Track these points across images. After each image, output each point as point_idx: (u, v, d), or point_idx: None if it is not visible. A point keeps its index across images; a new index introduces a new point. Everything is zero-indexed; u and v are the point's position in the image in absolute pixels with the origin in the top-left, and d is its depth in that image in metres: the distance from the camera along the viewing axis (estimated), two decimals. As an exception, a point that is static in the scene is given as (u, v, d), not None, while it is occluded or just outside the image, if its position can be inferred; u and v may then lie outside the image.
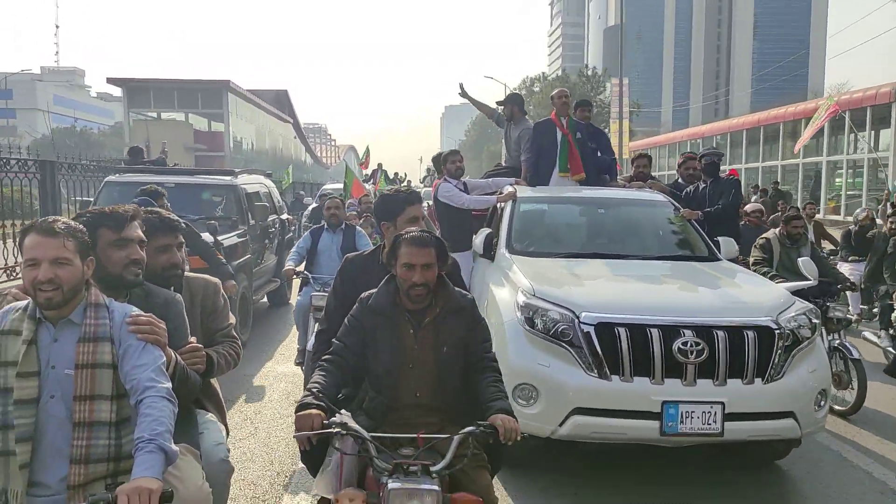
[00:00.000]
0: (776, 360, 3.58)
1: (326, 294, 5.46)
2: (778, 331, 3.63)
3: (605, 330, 3.53)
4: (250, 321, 7.24)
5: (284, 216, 9.79)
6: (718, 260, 4.86)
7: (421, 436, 2.20)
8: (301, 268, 5.79)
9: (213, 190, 8.01)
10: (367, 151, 25.50)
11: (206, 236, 6.45)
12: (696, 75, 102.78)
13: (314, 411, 2.14)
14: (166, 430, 1.90)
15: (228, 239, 6.98)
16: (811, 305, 4.08)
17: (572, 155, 5.90)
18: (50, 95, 56.52)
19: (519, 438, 2.18)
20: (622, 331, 3.52)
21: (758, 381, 3.54)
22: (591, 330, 3.55)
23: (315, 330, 5.24)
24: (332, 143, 74.68)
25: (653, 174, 7.14)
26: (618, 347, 3.49)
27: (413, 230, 2.45)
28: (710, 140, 24.92)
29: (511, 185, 5.74)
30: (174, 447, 1.90)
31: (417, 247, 2.36)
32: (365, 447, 2.09)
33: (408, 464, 2.03)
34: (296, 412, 2.18)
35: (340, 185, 20.65)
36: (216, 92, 31.39)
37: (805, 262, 5.06)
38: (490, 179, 6.26)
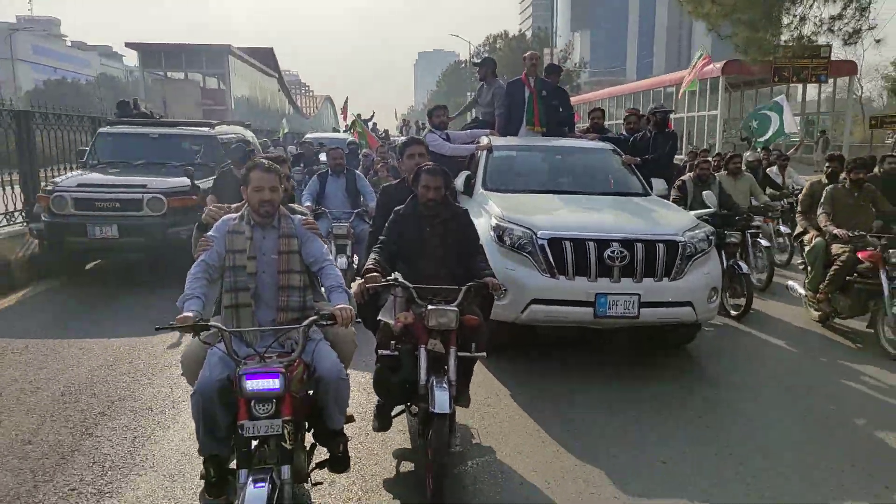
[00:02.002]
0: (679, 264, 4.76)
1: (342, 224, 6.50)
2: (682, 243, 4.79)
3: (555, 243, 4.65)
4: None
5: None
6: (649, 196, 5.99)
7: (443, 287, 3.29)
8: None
9: (192, 140, 8.77)
10: (346, 103, 25.82)
11: (184, 180, 7.42)
12: (660, 28, 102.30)
13: (376, 273, 3.24)
14: (343, 282, 2.93)
15: (205, 182, 7.74)
16: (710, 227, 5.26)
17: (536, 111, 6.90)
18: (28, 46, 54.71)
19: (504, 290, 3.48)
20: (567, 244, 4.64)
21: (665, 279, 4.71)
22: (545, 243, 4.67)
23: (335, 251, 6.36)
24: (311, 93, 74.00)
25: (605, 124, 8.15)
26: (564, 256, 4.63)
27: (427, 164, 3.65)
28: (649, 93, 25.68)
29: (486, 135, 6.73)
30: (350, 291, 2.97)
31: (431, 175, 3.50)
32: (409, 293, 3.21)
33: (438, 299, 3.17)
34: (363, 275, 3.24)
35: (321, 134, 21.21)
36: (219, 54, 34.29)
37: (707, 195, 6.27)
38: (469, 131, 7.19)
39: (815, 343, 5.74)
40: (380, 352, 3.24)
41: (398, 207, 3.63)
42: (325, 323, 2.63)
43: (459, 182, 6.18)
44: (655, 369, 5.03)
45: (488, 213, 5.19)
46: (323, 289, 3.01)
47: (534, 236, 4.72)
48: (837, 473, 3.43)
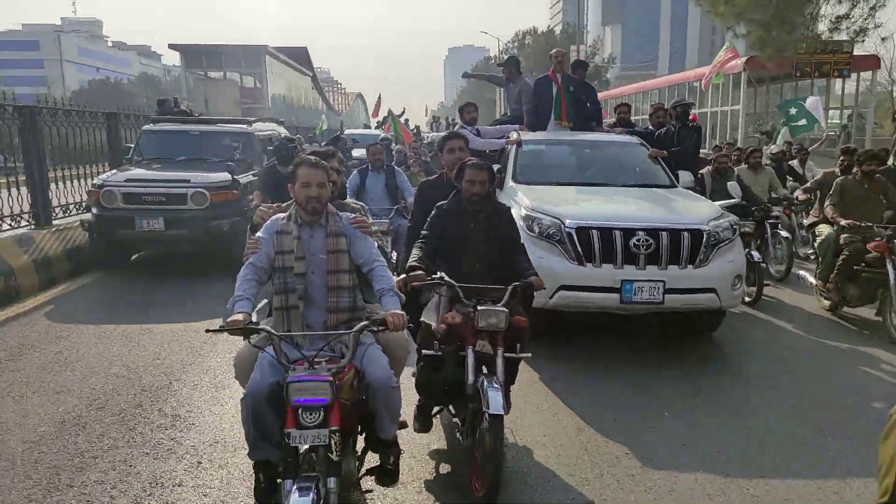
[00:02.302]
0: (704, 252, 4.88)
1: (382, 221, 6.71)
2: (706, 231, 4.90)
3: (583, 232, 4.81)
4: None
5: None
6: (675, 187, 6.09)
7: (488, 287, 3.19)
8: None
9: (231, 136, 9.17)
10: (379, 99, 26.07)
11: (225, 175, 7.78)
12: (693, 21, 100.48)
13: (420, 271, 3.16)
14: (395, 285, 2.82)
15: (245, 177, 8.20)
16: (734, 217, 5.36)
17: (564, 106, 7.04)
18: (74, 47, 56.52)
19: (545, 287, 3.32)
20: (594, 232, 4.79)
21: (689, 267, 4.83)
22: (573, 232, 4.83)
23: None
24: (343, 90, 74.91)
25: (632, 119, 8.26)
26: (591, 244, 4.78)
27: (471, 158, 3.61)
28: (675, 88, 25.42)
29: (516, 130, 6.90)
30: (402, 295, 2.84)
31: (477, 169, 3.43)
32: (455, 291, 3.12)
33: (484, 299, 3.09)
34: (407, 273, 3.16)
35: (354, 130, 21.55)
36: (257, 55, 35.74)
37: (731, 186, 6.34)
38: (498, 126, 7.38)
39: (827, 330, 5.81)
40: (423, 352, 3.18)
41: (440, 202, 3.57)
42: (376, 329, 2.56)
43: (489, 175, 6.38)
44: (682, 353, 5.15)
45: (518, 204, 5.36)
46: (374, 290, 2.86)
47: (562, 225, 4.88)
48: (858, 457, 3.53)
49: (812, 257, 6.50)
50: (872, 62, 20.34)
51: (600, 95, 9.30)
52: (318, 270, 2.79)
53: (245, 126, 9.57)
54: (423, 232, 3.50)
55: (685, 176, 6.26)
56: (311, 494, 2.24)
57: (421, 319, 3.29)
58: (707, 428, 3.82)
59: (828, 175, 6.67)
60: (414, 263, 3.22)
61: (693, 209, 5.34)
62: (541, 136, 6.94)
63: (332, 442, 2.35)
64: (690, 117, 7.20)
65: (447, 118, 31.23)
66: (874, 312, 5.73)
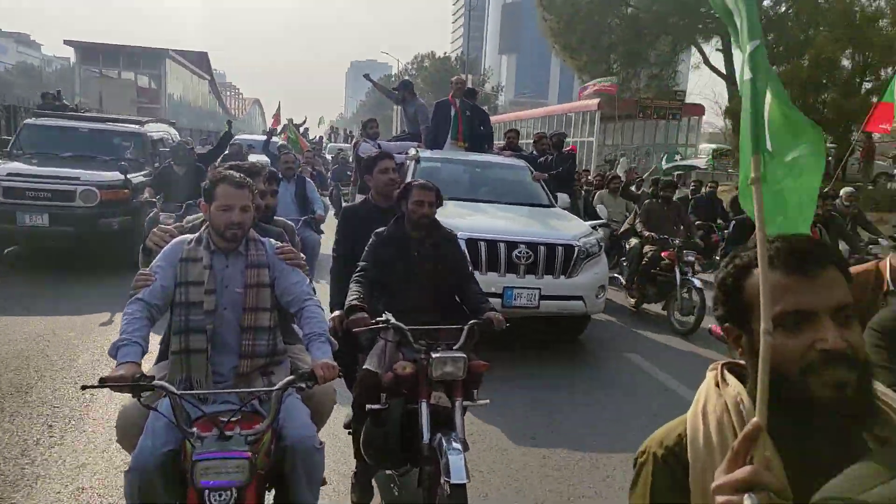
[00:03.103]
0: (574, 265, 5.53)
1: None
2: (578, 247, 5.57)
3: (472, 243, 5.28)
4: None
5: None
6: (553, 207, 6.77)
7: (442, 328, 2.76)
8: None
9: (122, 136, 8.91)
10: (279, 108, 25.82)
11: (116, 174, 7.64)
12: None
13: (363, 314, 2.71)
14: (327, 329, 2.35)
15: (136, 178, 8.07)
16: (601, 234, 6.11)
17: (461, 128, 7.59)
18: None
19: (504, 328, 2.82)
20: (482, 244, 5.30)
21: (562, 277, 5.46)
22: (464, 242, 5.25)
23: None
24: (240, 96, 72.64)
25: (519, 143, 9.02)
26: (479, 253, 5.28)
27: (418, 180, 3.17)
28: (552, 119, 29.14)
29: (415, 147, 7.32)
30: (335, 341, 2.37)
31: (425, 190, 3.05)
32: (405, 336, 2.66)
33: (436, 344, 2.65)
34: (348, 315, 2.73)
35: (249, 136, 21.15)
36: (157, 57, 35.03)
37: (600, 209, 7.25)
38: (398, 143, 7.79)
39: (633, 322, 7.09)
40: (368, 406, 2.70)
41: (379, 229, 3.14)
42: (303, 386, 2.12)
43: (389, 189, 6.76)
44: (555, 354, 5.77)
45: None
46: (301, 335, 2.44)
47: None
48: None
49: (625, 263, 7.69)
50: (699, 109, 25.78)
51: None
52: (232, 307, 2.32)
53: (137, 126, 9.35)
54: (361, 263, 3.07)
55: (563, 198, 6.98)
56: None
57: (364, 367, 2.78)
58: (575, 412, 4.39)
59: (644, 197, 8.25)
60: (355, 303, 2.79)
61: (567, 227, 6.01)
62: (437, 154, 7.42)
63: None
64: (569, 147, 8.01)
65: (345, 129, 31.32)
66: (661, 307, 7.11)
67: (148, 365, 2.45)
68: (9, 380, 4.32)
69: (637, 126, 21.34)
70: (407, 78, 8.91)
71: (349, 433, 3.20)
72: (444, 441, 2.50)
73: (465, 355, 2.64)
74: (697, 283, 6.56)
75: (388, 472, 3.12)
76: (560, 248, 5.48)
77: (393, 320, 2.68)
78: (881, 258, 2.42)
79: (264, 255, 2.40)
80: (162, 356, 2.51)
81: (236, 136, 20.49)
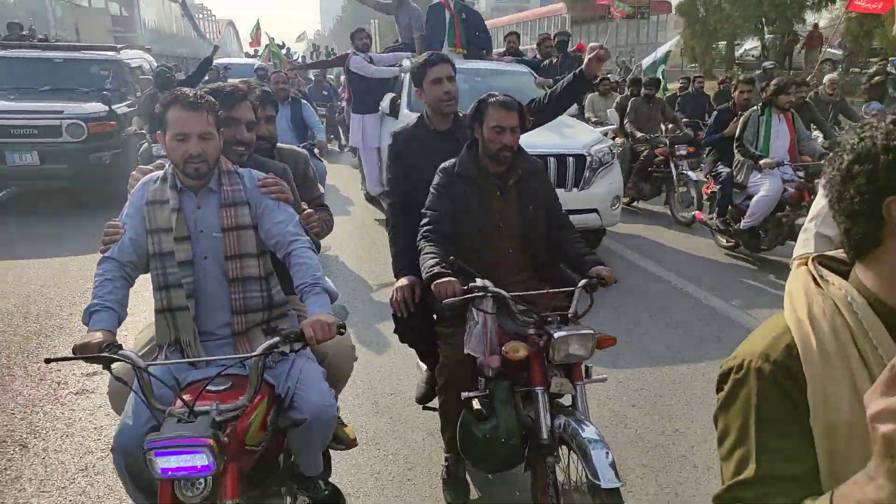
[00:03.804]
0: (587, 175, 5.33)
1: None
2: (590, 157, 5.35)
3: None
4: None
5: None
6: (561, 115, 6.46)
7: (548, 291, 2.25)
8: None
9: (99, 64, 8.41)
10: (258, 26, 24.54)
11: (101, 105, 7.25)
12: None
13: (451, 279, 2.09)
14: (322, 274, 1.94)
15: (120, 108, 7.68)
16: (612, 141, 5.86)
17: (458, 33, 7.12)
18: None
19: (616, 282, 2.28)
20: (491, 157, 5.06)
21: (574, 189, 5.28)
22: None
23: None
24: (213, 18, 68.97)
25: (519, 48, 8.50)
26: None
27: (493, 94, 2.38)
28: (543, 21, 29.19)
29: (409, 58, 6.90)
30: (333, 287, 1.98)
31: (506, 110, 2.30)
32: (508, 306, 2.09)
33: (549, 316, 2.10)
34: (431, 282, 2.11)
35: (228, 59, 20.06)
36: None
37: (610, 112, 6.93)
38: (391, 54, 7.31)
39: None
40: (464, 394, 2.20)
41: (446, 164, 2.43)
42: (288, 349, 1.76)
43: (385, 104, 6.43)
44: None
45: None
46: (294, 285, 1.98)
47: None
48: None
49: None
50: (665, 6, 25.55)
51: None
52: (213, 256, 1.97)
53: (114, 53, 8.84)
54: (429, 212, 2.39)
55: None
56: None
57: (465, 351, 2.16)
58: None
59: (623, 99, 8.11)
60: (435, 269, 2.15)
61: (577, 135, 5.75)
62: (434, 64, 7.00)
63: None
64: (577, 46, 7.57)
65: (327, 47, 29.90)
66: (663, 203, 7.43)
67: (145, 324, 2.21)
68: (14, 333, 4.24)
69: (610, 27, 20.80)
70: None
71: (423, 408, 2.84)
72: (575, 429, 1.99)
73: (593, 331, 2.09)
74: (693, 175, 6.66)
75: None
76: (571, 158, 5.26)
77: (492, 287, 2.11)
78: None
79: (241, 191, 1.99)
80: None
81: (219, 61, 19.56)
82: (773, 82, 5.51)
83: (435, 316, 2.48)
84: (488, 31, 7.73)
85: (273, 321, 2.05)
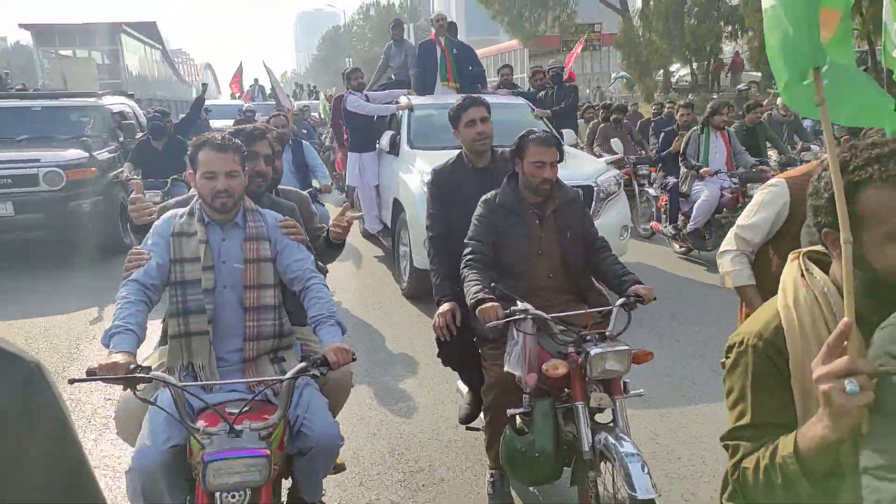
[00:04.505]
0: (595, 206, 5.14)
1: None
2: (596, 188, 5.16)
3: (488, 193, 4.86)
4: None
5: None
6: (562, 146, 6.32)
7: (586, 311, 2.39)
8: None
9: (80, 111, 8.06)
10: (241, 68, 24.48)
11: (80, 152, 6.93)
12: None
13: (494, 304, 2.21)
14: (335, 310, 2.12)
15: (101, 155, 7.35)
16: (618, 171, 5.70)
17: (450, 68, 7.00)
18: None
19: (655, 299, 2.34)
20: (499, 193, 4.87)
21: (585, 221, 5.09)
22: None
23: None
24: (192, 62, 69.46)
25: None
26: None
27: (533, 130, 2.57)
28: (505, 55, 31.04)
29: (405, 95, 6.74)
30: (343, 324, 2.13)
31: (546, 146, 2.46)
32: (548, 326, 2.22)
33: (585, 334, 2.19)
34: (475, 308, 2.24)
35: (212, 101, 19.94)
36: (111, 32, 34.67)
37: (614, 142, 6.79)
38: (386, 91, 7.13)
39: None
40: (509, 411, 2.29)
41: (488, 196, 2.58)
42: (317, 373, 1.89)
43: (385, 142, 6.22)
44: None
45: (419, 170, 5.29)
46: (308, 317, 2.15)
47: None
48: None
49: None
50: (611, 39, 26.76)
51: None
52: (232, 285, 2.11)
53: (94, 100, 8.51)
54: (471, 242, 2.52)
55: (569, 135, 6.53)
56: None
57: (506, 370, 2.31)
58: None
59: (594, 125, 8.72)
60: (480, 295, 2.27)
61: (582, 166, 5.58)
62: (429, 100, 6.85)
63: None
64: (569, 75, 7.53)
65: (308, 84, 30.03)
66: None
67: (148, 348, 2.26)
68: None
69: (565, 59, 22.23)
70: (398, 19, 8.08)
71: (466, 428, 2.95)
72: (614, 444, 2.07)
73: (629, 347, 2.17)
74: (652, 191, 7.18)
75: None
76: (579, 189, 5.04)
77: (532, 309, 2.21)
78: (817, 160, 2.57)
79: (264, 228, 2.18)
80: (163, 340, 2.26)
81: (207, 103, 19.40)
82: (709, 105, 6.30)
83: (476, 339, 2.61)
84: (481, 65, 7.63)
85: (280, 350, 2.17)
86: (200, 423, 1.81)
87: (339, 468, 2.48)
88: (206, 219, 2.14)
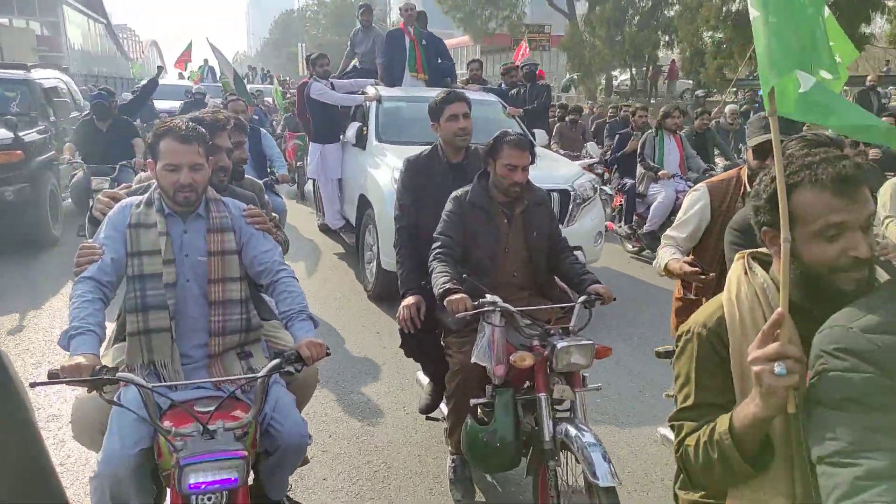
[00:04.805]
0: (571, 211, 4.98)
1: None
2: (572, 192, 5.00)
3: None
4: (60, 218, 6.74)
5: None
6: (533, 146, 6.13)
7: (549, 307, 2.49)
8: None
9: (5, 85, 7.09)
10: (190, 47, 23.42)
11: (4, 132, 6.09)
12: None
13: (462, 295, 2.26)
14: (307, 303, 2.07)
15: (29, 136, 6.44)
16: (593, 176, 5.56)
17: (419, 58, 6.71)
18: None
19: (614, 300, 2.47)
20: (475, 194, 4.64)
21: (560, 226, 4.89)
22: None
23: None
24: (137, 39, 66.21)
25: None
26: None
27: (507, 132, 2.58)
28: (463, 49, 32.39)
29: (372, 85, 6.41)
30: (316, 318, 2.09)
31: (519, 150, 2.49)
32: (514, 319, 2.28)
33: (552, 329, 2.29)
34: (443, 299, 2.28)
35: (163, 80, 18.94)
36: (53, 2, 32.79)
37: (590, 146, 6.68)
38: (352, 80, 6.78)
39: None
40: (472, 401, 2.37)
41: (458, 192, 2.62)
42: (292, 370, 1.84)
43: (351, 133, 5.90)
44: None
45: (388, 165, 5.01)
46: (276, 311, 2.13)
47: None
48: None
49: None
50: (559, 41, 27.12)
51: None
52: (196, 278, 2.03)
53: (22, 72, 7.32)
54: (441, 237, 2.56)
55: (541, 135, 6.35)
56: None
57: (473, 360, 2.33)
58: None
59: (551, 124, 8.85)
60: (449, 286, 2.31)
61: (557, 169, 5.41)
62: (398, 91, 6.53)
63: None
64: (539, 73, 7.35)
65: (261, 68, 29.07)
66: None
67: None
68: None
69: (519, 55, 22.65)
70: (367, 3, 7.68)
71: (426, 419, 3.01)
72: (575, 434, 2.14)
73: (592, 342, 2.27)
74: (609, 190, 7.17)
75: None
76: (555, 193, 4.89)
77: (501, 302, 2.28)
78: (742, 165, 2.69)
79: (228, 218, 2.10)
80: (118, 337, 2.13)
81: (141, 81, 18.39)
82: (662, 110, 6.46)
83: (442, 331, 2.67)
84: (452, 58, 7.36)
85: (247, 345, 2.10)
86: (168, 424, 1.75)
87: (304, 461, 2.43)
88: (166, 209, 2.04)
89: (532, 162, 2.58)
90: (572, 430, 2.17)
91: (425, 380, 3.04)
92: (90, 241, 2.04)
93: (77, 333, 1.79)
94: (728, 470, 1.23)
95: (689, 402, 1.34)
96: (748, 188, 2.55)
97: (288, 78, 23.96)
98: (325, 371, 3.77)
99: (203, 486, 1.64)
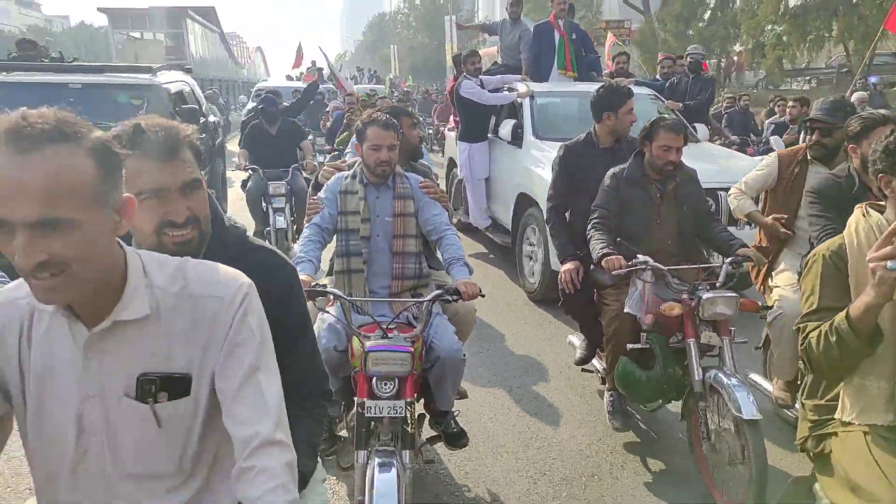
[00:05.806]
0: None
1: (279, 183, 5.68)
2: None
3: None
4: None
5: (212, 119, 8.13)
6: (699, 142, 5.74)
7: (699, 266, 2.80)
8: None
9: (131, 91, 6.17)
10: (300, 49, 24.34)
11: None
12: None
13: (618, 255, 2.65)
14: (464, 253, 2.63)
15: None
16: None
17: (568, 55, 6.45)
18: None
19: (766, 263, 2.93)
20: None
21: (747, 227, 4.50)
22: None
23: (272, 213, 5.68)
24: (245, 45, 70.34)
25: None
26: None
27: (663, 117, 2.96)
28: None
29: (522, 82, 6.17)
30: (471, 266, 2.60)
31: (674, 133, 2.81)
32: (663, 276, 2.63)
33: (698, 284, 2.63)
34: (601, 260, 2.66)
35: (273, 84, 19.78)
36: (178, 17, 38.06)
37: (774, 140, 6.16)
38: (499, 76, 6.52)
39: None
40: (629, 346, 2.72)
41: (616, 169, 2.95)
42: (450, 299, 2.31)
43: (505, 131, 5.76)
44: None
45: (548, 161, 4.82)
46: (442, 259, 2.68)
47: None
48: None
49: None
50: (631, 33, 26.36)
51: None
52: (384, 234, 2.63)
53: (148, 76, 6.40)
54: (599, 209, 2.91)
55: (702, 129, 5.94)
56: (393, 470, 2.06)
57: (625, 310, 2.72)
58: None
59: None
60: (605, 250, 2.70)
61: (737, 166, 5.02)
62: (547, 87, 6.33)
63: (408, 414, 2.20)
64: (703, 66, 6.84)
65: (369, 69, 29.99)
66: None
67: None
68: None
69: (600, 52, 21.67)
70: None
71: (581, 370, 3.44)
72: (722, 377, 2.44)
73: (736, 294, 2.60)
74: None
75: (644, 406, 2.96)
76: (722, 192, 4.49)
77: (652, 262, 2.62)
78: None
79: (409, 189, 2.66)
80: (329, 273, 2.81)
81: (260, 84, 19.24)
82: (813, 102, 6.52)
83: (595, 292, 3.03)
84: (596, 51, 7.06)
85: (419, 288, 2.65)
86: (382, 326, 2.26)
87: (463, 394, 2.88)
88: (364, 181, 2.64)
89: (685, 143, 2.87)
90: (720, 375, 2.45)
91: (577, 339, 3.47)
92: (315, 197, 2.70)
93: (300, 261, 2.43)
94: (845, 351, 1.55)
95: (814, 307, 1.69)
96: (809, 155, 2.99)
97: (392, 77, 24.76)
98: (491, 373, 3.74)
99: (381, 370, 2.14)
